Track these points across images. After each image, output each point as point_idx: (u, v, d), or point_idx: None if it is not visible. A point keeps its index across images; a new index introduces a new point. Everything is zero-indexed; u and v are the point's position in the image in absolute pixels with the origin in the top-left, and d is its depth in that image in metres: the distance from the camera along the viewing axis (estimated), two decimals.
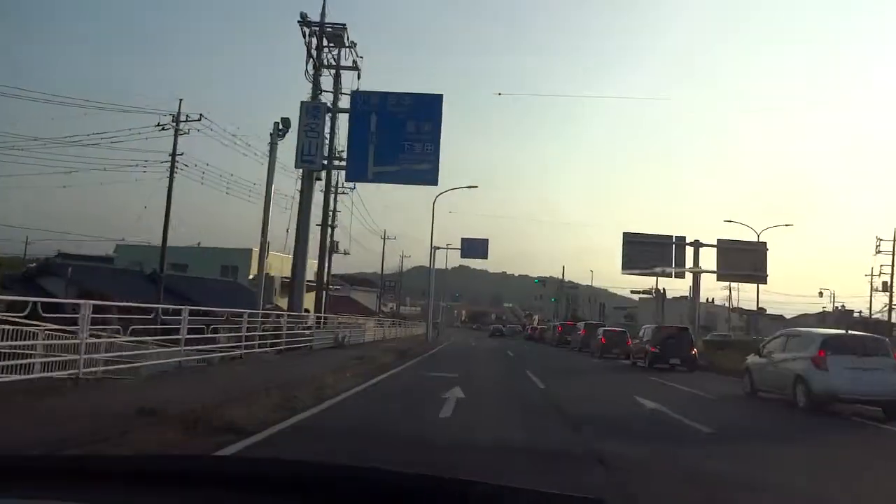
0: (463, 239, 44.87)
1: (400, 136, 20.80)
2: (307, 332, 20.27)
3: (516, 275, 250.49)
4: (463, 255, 42.38)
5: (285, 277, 47.95)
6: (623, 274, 40.36)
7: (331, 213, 43.59)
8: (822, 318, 61.04)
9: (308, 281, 53.11)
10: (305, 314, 24.89)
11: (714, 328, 70.92)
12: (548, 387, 14.52)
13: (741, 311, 72.24)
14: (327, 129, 22.32)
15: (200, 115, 27.37)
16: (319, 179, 24.04)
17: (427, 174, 20.63)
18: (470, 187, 40.14)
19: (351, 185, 45.04)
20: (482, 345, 43.35)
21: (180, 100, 32.57)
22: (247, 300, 39.80)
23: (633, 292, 65.71)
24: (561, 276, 75.28)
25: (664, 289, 73.54)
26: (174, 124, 27.01)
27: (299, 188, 28.33)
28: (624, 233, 40.32)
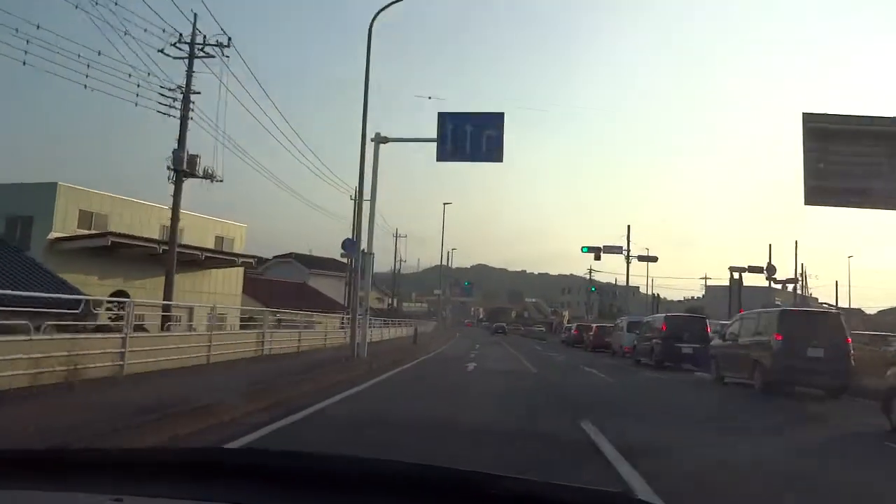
0: (441, 115, 17.38)
1: None
2: None
3: (536, 273, 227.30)
4: (440, 158, 17.56)
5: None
6: (807, 205, 18.43)
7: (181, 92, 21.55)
8: None
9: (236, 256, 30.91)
10: None
11: None
12: None
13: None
14: None
15: None
16: None
17: None
18: None
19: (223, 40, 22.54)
20: (488, 358, 21.37)
21: None
22: (34, 280, 19.21)
23: (732, 268, 43.46)
24: (622, 245, 49.50)
25: (767, 264, 51.08)
26: None
27: None
28: (804, 114, 18.43)
